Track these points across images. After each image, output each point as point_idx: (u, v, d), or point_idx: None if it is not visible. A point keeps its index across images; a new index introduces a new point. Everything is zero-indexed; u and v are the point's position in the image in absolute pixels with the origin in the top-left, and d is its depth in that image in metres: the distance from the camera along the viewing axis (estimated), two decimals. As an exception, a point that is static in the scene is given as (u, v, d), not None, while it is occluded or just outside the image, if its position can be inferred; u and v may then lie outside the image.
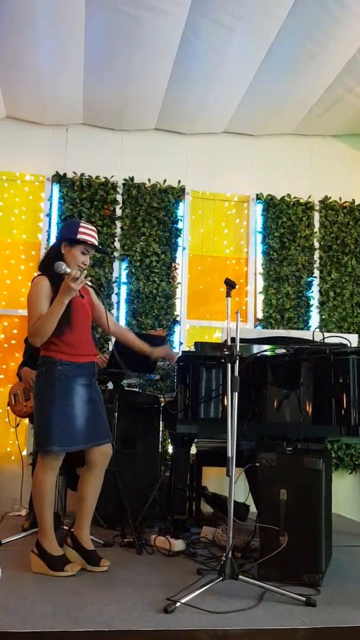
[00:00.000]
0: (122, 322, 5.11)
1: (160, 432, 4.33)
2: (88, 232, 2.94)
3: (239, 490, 4.27)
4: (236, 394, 2.69)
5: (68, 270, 2.74)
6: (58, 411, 2.78)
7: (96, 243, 2.98)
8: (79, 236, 2.91)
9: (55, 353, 2.83)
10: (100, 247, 3.04)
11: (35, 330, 2.77)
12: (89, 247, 2.95)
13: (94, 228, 3.01)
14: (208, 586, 2.51)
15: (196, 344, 3.53)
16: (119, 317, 5.12)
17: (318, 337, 3.33)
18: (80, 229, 2.92)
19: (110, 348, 4.72)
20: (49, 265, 2.83)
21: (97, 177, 5.24)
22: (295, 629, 2.24)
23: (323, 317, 5.38)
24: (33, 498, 2.87)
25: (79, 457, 2.99)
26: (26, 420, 4.43)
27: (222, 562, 2.57)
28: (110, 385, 4.15)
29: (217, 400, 3.21)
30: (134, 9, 3.84)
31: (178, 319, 5.20)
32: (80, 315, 2.90)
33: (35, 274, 3.00)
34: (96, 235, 3.00)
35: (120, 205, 5.27)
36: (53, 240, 5.09)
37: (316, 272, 5.46)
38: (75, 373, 2.86)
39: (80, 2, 3.80)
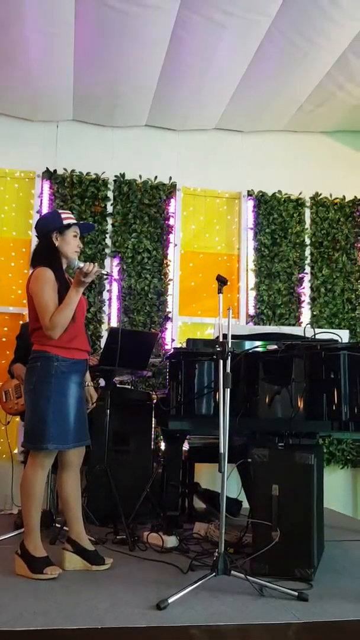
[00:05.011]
0: (114, 319, 5.10)
1: (153, 429, 4.33)
2: (70, 216, 3.00)
3: (232, 486, 4.28)
4: (228, 390, 2.69)
5: (81, 265, 2.78)
6: (54, 408, 2.76)
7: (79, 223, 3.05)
8: (66, 222, 2.94)
9: (52, 348, 2.79)
10: (84, 223, 3.13)
11: (54, 324, 2.75)
12: (76, 228, 2.99)
13: (69, 211, 3.09)
14: (201, 582, 2.51)
15: (188, 340, 3.53)
16: (111, 313, 5.11)
17: (309, 333, 3.34)
18: (63, 215, 2.96)
19: (102, 345, 4.72)
20: (51, 257, 2.88)
21: (87, 174, 5.22)
22: (288, 624, 2.25)
23: (314, 313, 5.40)
24: (21, 496, 2.85)
25: None
26: (17, 418, 4.42)
27: (214, 558, 2.58)
28: (102, 383, 4.15)
29: (209, 396, 3.22)
30: (124, 5, 3.82)
31: (170, 315, 5.20)
32: (79, 309, 2.89)
33: (32, 268, 2.97)
34: None
35: (112, 202, 5.25)
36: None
37: (307, 269, 5.48)
38: (71, 370, 2.84)
39: (70, -3, 3.79)
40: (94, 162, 5.26)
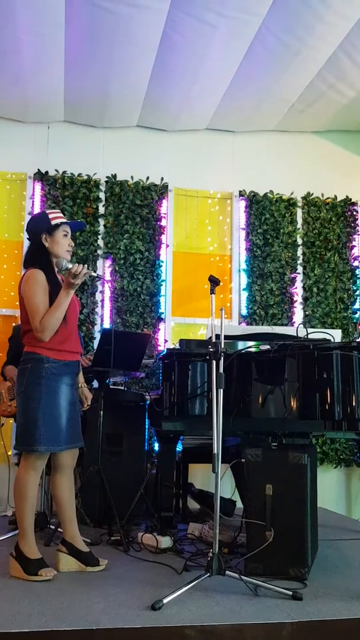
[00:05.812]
0: (107, 320, 5.10)
1: (146, 430, 4.33)
2: (58, 215, 2.97)
3: (225, 486, 4.29)
4: (221, 390, 2.70)
5: (69, 265, 2.75)
6: (45, 410, 2.75)
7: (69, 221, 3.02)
8: (54, 221, 2.92)
9: (43, 350, 2.78)
10: (74, 222, 3.08)
11: (44, 327, 2.74)
12: (66, 227, 2.96)
13: (59, 210, 3.06)
14: (195, 582, 2.51)
15: (181, 341, 3.53)
16: (104, 315, 5.10)
17: (302, 333, 3.35)
18: (51, 216, 2.94)
19: (95, 347, 4.71)
20: (41, 258, 2.86)
21: (79, 175, 5.21)
22: (283, 623, 2.25)
23: (307, 313, 5.42)
24: (14, 498, 2.84)
25: None
26: (11, 420, 4.41)
27: (209, 558, 2.58)
28: (95, 384, 4.15)
29: (202, 397, 3.22)
30: (114, 5, 3.82)
31: (163, 316, 5.20)
32: (71, 311, 2.88)
33: (24, 270, 2.95)
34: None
35: (103, 202, 5.25)
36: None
37: (299, 269, 5.49)
38: (61, 372, 2.83)
39: (60, -2, 3.79)
40: (85, 163, 5.25)
